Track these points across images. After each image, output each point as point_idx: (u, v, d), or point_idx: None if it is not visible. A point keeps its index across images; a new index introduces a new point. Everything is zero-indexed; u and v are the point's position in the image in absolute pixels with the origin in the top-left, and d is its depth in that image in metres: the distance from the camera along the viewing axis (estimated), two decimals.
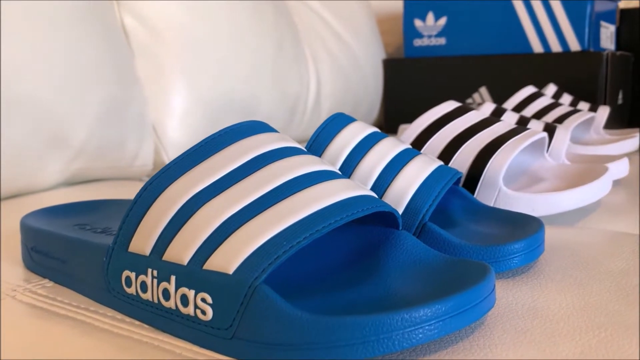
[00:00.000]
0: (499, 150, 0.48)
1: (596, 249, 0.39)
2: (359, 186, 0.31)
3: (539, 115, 0.74)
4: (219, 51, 0.77)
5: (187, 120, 0.73)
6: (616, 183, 0.58)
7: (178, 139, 0.73)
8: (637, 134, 0.77)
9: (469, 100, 1.04)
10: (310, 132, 0.97)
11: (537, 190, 0.50)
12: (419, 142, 0.49)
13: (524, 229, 0.37)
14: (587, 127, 0.79)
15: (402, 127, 0.91)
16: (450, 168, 0.40)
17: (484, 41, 1.03)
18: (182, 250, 0.27)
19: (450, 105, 0.54)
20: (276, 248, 0.25)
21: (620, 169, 0.56)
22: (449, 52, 1.06)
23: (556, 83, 0.95)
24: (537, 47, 0.99)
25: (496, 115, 0.61)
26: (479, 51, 1.03)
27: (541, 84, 0.96)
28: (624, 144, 0.71)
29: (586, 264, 0.36)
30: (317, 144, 0.38)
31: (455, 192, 0.44)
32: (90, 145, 0.62)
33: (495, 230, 0.38)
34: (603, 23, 1.01)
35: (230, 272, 0.25)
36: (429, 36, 1.08)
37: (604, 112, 0.83)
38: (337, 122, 0.40)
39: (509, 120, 0.60)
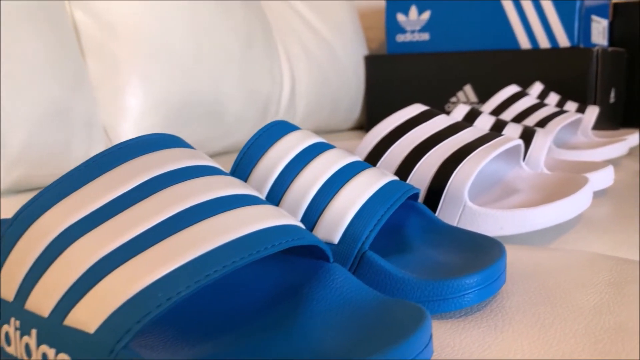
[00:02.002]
0: (465, 160, 0.43)
1: (568, 277, 0.34)
2: (277, 214, 0.26)
3: (521, 116, 0.69)
4: (179, 49, 0.72)
5: (143, 123, 0.68)
6: (600, 193, 0.53)
7: None
8: (626, 137, 0.72)
9: (453, 99, 0.99)
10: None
11: (510, 204, 0.45)
12: (377, 153, 0.44)
13: (483, 256, 0.32)
14: (574, 128, 0.74)
15: None
16: (403, 184, 0.35)
17: (469, 37, 0.97)
18: (43, 299, 0.22)
19: (415, 109, 0.49)
20: (148, 301, 0.20)
21: (604, 179, 0.51)
22: (432, 48, 1.01)
23: (544, 81, 0.90)
24: (524, 43, 0.93)
25: (470, 119, 0.56)
26: (463, 47, 0.98)
27: (528, 82, 0.91)
28: (612, 148, 0.66)
29: (554, 298, 0.31)
30: (247, 159, 0.33)
31: (414, 209, 0.39)
32: (31, 150, 0.58)
33: (450, 257, 0.33)
34: (594, 17, 0.96)
35: (92, 331, 0.20)
36: (412, 31, 1.03)
37: (592, 112, 0.78)
38: (272, 132, 0.35)
39: (483, 124, 0.55)
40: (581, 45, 0.90)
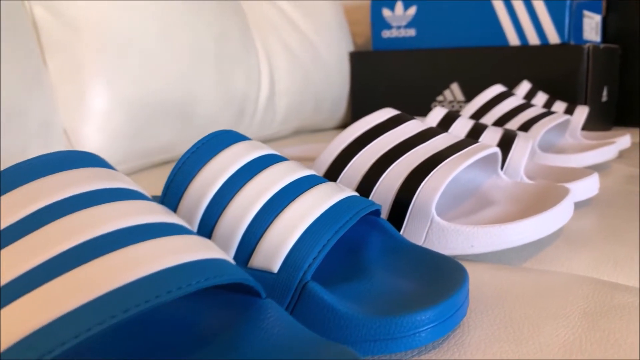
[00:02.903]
0: (434, 170, 0.39)
1: (538, 306, 0.30)
2: (197, 246, 0.22)
3: (506, 118, 0.66)
4: (147, 46, 0.69)
5: (107, 126, 0.65)
6: (585, 203, 0.50)
7: (96, 147, 0.64)
8: (616, 140, 0.69)
9: (440, 98, 0.96)
10: (262, 134, 0.89)
11: (483, 218, 0.42)
12: (339, 164, 0.41)
13: (443, 284, 0.29)
14: (562, 130, 0.71)
15: None
16: (360, 201, 0.32)
17: (456, 33, 0.94)
18: None
19: (384, 114, 0.45)
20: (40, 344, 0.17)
21: (588, 188, 0.48)
22: (419, 44, 0.98)
23: (534, 79, 0.87)
24: (513, 40, 0.90)
25: (447, 123, 0.52)
26: (450, 44, 0.94)
27: (517, 80, 0.88)
28: (600, 152, 0.63)
29: (520, 333, 0.28)
30: (181, 177, 0.30)
31: (376, 226, 0.36)
32: None
33: (407, 285, 0.29)
34: (587, 13, 0.92)
35: None
36: (398, 27, 0.99)
37: (581, 113, 0.74)
38: (212, 145, 0.31)
39: (460, 129, 0.52)
40: (572, 42, 0.87)
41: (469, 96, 0.92)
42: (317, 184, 0.32)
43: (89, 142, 0.64)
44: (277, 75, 0.89)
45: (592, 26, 0.95)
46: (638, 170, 0.65)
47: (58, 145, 0.61)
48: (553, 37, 0.87)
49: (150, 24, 0.70)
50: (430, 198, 0.38)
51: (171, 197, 0.29)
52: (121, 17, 0.67)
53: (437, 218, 0.38)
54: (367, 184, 0.40)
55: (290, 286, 0.27)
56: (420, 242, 0.38)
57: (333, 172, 0.41)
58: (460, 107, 0.93)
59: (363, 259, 0.33)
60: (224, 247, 0.28)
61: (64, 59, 0.64)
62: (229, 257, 0.24)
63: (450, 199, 0.46)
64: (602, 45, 0.90)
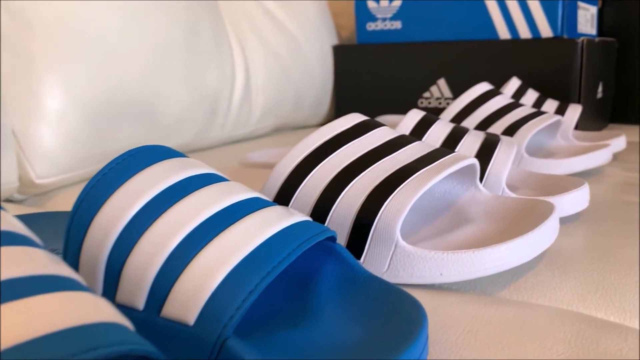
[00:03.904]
0: (400, 187, 0.35)
1: (513, 351, 0.26)
2: (79, 307, 0.18)
3: (491, 119, 0.61)
4: (107, 39, 0.64)
5: (62, 127, 0.60)
6: (573, 218, 0.45)
7: (50, 149, 0.59)
8: (610, 142, 0.64)
9: (427, 94, 0.91)
10: (237, 133, 0.84)
11: (456, 240, 0.37)
12: (293, 180, 0.36)
13: (396, 332, 0.24)
14: (553, 130, 0.66)
15: (380, 118, 0.78)
16: (307, 228, 0.28)
17: (444, 26, 0.89)
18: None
19: (350, 120, 0.41)
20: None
21: (577, 201, 0.43)
22: (405, 37, 0.93)
23: (525, 75, 0.82)
24: (503, 33, 0.85)
25: (423, 127, 0.48)
26: (438, 37, 0.89)
27: (507, 76, 0.83)
28: (593, 157, 0.58)
29: None
30: (86, 206, 0.25)
31: (331, 253, 0.31)
32: None
33: (354, 331, 0.25)
34: (581, 4, 0.87)
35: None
36: (384, 19, 0.94)
37: (574, 113, 0.70)
38: (128, 165, 0.27)
39: (437, 135, 0.47)
40: (565, 36, 0.82)
41: (457, 93, 0.88)
42: (256, 210, 0.27)
43: (41, 144, 0.59)
44: (253, 71, 0.84)
45: (587, 18, 0.90)
46: (634, 175, 0.60)
47: (10, 148, 0.56)
48: (545, 31, 0.82)
49: (111, 18, 0.65)
50: (394, 220, 0.33)
51: (75, 232, 0.25)
52: (79, 11, 0.62)
53: (402, 242, 0.33)
54: (324, 204, 0.35)
55: (207, 342, 0.22)
56: (383, 269, 0.34)
57: (287, 190, 0.36)
58: (448, 104, 0.89)
59: (309, 295, 0.29)
60: (133, 293, 0.23)
61: (13, 55, 0.59)
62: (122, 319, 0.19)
63: (423, 214, 0.41)
64: (597, 39, 0.85)
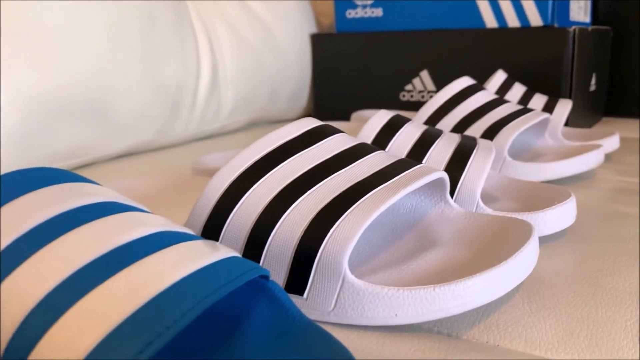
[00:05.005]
0: (350, 210, 0.29)
1: None
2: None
3: (472, 118, 0.56)
4: (51, 32, 0.58)
5: None
6: (558, 235, 0.40)
7: None
8: (603, 143, 0.59)
9: (409, 87, 0.85)
10: (205, 129, 0.79)
11: (421, 266, 0.32)
12: (226, 201, 0.31)
13: None
14: (541, 128, 0.61)
15: (356, 114, 0.72)
16: (227, 268, 0.22)
17: (427, 13, 0.83)
18: None
19: (300, 126, 0.35)
20: None
21: (562, 217, 0.38)
22: (386, 26, 0.87)
23: (513, 66, 0.76)
24: (490, 22, 0.79)
25: (390, 131, 0.42)
26: (421, 25, 0.84)
27: (494, 68, 0.77)
28: (583, 160, 0.53)
29: None
30: None
31: (265, 292, 0.26)
32: None
33: None
34: None
35: None
36: (364, 6, 0.88)
37: (563, 109, 0.64)
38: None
39: (405, 140, 0.42)
40: (556, 25, 0.76)
41: (440, 85, 0.82)
42: (157, 250, 0.22)
43: None
44: (221, 62, 0.78)
45: (580, 6, 0.85)
46: (629, 180, 0.55)
47: None
48: (535, 19, 0.76)
49: (56, 8, 0.59)
50: (341, 250, 0.28)
51: None
52: (21, 4, 0.56)
53: (350, 276, 0.28)
54: (261, 230, 0.30)
55: None
56: (329, 308, 0.29)
57: (218, 214, 0.31)
58: (431, 97, 0.83)
59: (231, 347, 0.23)
60: None
61: None
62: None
63: (386, 232, 0.36)
64: (590, 28, 0.80)
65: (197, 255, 0.23)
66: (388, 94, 0.87)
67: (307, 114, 0.98)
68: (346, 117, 0.86)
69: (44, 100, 0.57)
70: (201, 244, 0.24)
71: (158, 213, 0.43)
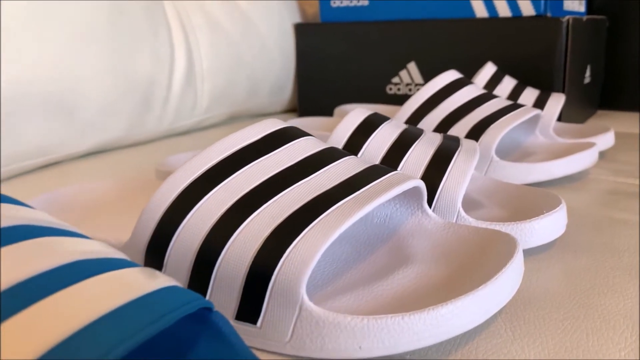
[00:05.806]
0: (311, 226, 0.26)
1: None
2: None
3: (458, 114, 0.52)
4: (10, 24, 0.54)
5: None
6: (546, 246, 0.37)
7: None
8: (596, 141, 0.56)
9: (396, 80, 0.81)
10: (181, 124, 0.75)
11: (392, 289, 0.28)
12: (172, 216, 0.27)
13: None
14: (532, 124, 0.58)
15: (339, 109, 0.69)
16: (161, 302, 0.19)
17: (415, 3, 0.79)
18: None
19: (262, 129, 0.32)
20: None
21: (551, 228, 0.35)
22: (372, 16, 0.83)
23: (504, 58, 0.73)
24: (480, 11, 0.76)
25: (365, 132, 0.39)
26: (408, 15, 0.80)
27: (484, 59, 0.74)
28: (576, 159, 0.50)
29: None
30: None
31: (208, 326, 0.23)
32: None
33: None
34: None
35: None
36: None
37: (555, 103, 0.61)
38: None
39: (380, 143, 0.38)
40: (549, 14, 0.72)
41: (428, 78, 0.79)
42: (83, 279, 0.19)
43: None
44: (196, 54, 0.74)
45: None
46: (625, 180, 0.52)
47: None
48: (527, 9, 0.73)
49: None
50: (298, 272, 0.25)
51: None
52: None
53: (308, 303, 0.25)
54: (209, 250, 0.26)
55: None
56: (285, 338, 0.25)
57: (164, 230, 0.27)
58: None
59: None
60: None
61: None
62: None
63: (357, 245, 0.32)
64: (585, 17, 0.76)
65: (125, 286, 0.19)
66: (375, 87, 0.83)
67: (291, 107, 0.94)
68: (332, 109, 0.83)
69: (5, 96, 0.53)
70: (134, 272, 0.21)
71: (114, 222, 0.39)
